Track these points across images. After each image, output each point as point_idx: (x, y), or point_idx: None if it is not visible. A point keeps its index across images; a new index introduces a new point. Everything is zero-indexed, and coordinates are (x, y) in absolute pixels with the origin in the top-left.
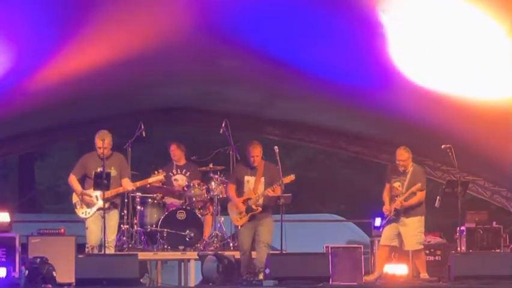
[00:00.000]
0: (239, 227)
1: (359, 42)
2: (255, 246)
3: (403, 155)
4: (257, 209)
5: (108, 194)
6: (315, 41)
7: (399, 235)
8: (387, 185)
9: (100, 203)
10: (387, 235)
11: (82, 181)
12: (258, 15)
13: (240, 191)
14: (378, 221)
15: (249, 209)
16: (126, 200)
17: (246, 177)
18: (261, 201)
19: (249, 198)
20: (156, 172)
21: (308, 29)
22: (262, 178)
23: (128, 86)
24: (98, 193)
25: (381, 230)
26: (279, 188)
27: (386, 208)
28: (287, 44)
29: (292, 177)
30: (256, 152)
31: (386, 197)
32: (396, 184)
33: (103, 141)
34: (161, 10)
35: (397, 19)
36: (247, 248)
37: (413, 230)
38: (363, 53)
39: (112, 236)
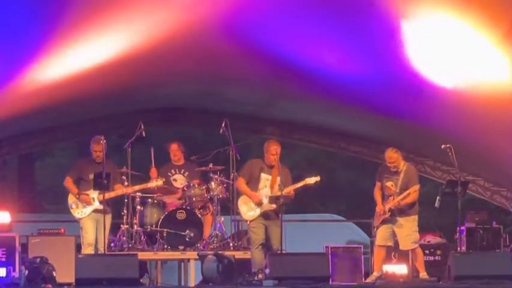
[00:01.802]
0: (248, 222)
1: (359, 42)
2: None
3: (392, 156)
4: (271, 207)
5: (108, 195)
6: (315, 41)
7: (393, 235)
8: (378, 184)
9: (96, 204)
10: (382, 235)
11: (77, 184)
12: (259, 15)
13: (252, 186)
14: None
15: (264, 206)
16: (126, 200)
17: (263, 175)
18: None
19: (265, 195)
20: (155, 178)
21: (309, 29)
22: (278, 178)
23: (128, 86)
24: (95, 194)
25: (375, 230)
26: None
27: (379, 208)
28: (287, 43)
29: (317, 178)
30: (277, 151)
31: (377, 196)
32: (389, 183)
33: (100, 144)
34: (161, 10)
35: (401, 22)
36: (260, 242)
37: (408, 230)
38: (363, 53)
39: (106, 240)
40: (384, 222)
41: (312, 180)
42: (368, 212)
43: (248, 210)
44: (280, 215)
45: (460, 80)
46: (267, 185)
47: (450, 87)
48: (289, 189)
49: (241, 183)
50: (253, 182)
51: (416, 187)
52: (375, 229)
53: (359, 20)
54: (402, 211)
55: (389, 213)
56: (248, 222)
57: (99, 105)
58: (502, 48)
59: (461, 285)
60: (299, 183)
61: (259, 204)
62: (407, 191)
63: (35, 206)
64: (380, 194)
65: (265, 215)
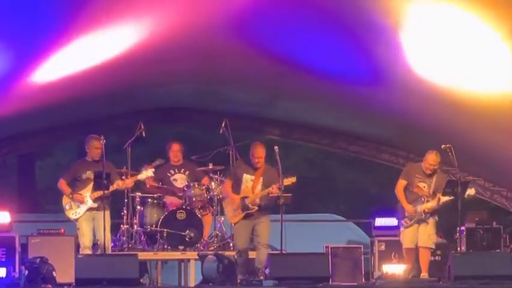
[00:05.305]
0: (233, 224)
1: (360, 43)
2: (253, 247)
3: (436, 160)
4: (253, 208)
5: (100, 193)
6: (316, 41)
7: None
8: (404, 182)
9: (90, 203)
10: (411, 237)
11: (72, 185)
12: (259, 14)
13: (237, 188)
14: (378, 221)
15: (244, 207)
16: (126, 200)
17: (245, 176)
18: (257, 201)
19: (246, 197)
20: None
21: (309, 28)
22: (261, 179)
23: (128, 86)
24: (88, 193)
25: (402, 229)
26: (277, 189)
27: (409, 210)
28: (288, 43)
29: (293, 179)
30: (260, 154)
31: (403, 195)
32: (422, 184)
33: (100, 141)
34: (162, 10)
35: (402, 22)
36: (242, 247)
37: (431, 230)
38: (363, 54)
39: (106, 237)
40: (416, 222)
41: (288, 181)
42: (368, 212)
43: (231, 212)
44: (280, 215)
45: (461, 79)
46: (249, 186)
47: (450, 87)
48: (264, 192)
49: (227, 186)
50: (237, 184)
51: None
52: (403, 227)
53: (358, 19)
54: (432, 212)
55: (426, 214)
56: (233, 225)
57: (99, 105)
58: (505, 45)
59: (461, 285)
60: (275, 185)
61: (241, 208)
62: (438, 196)
63: (35, 206)
64: (403, 192)
65: (247, 216)
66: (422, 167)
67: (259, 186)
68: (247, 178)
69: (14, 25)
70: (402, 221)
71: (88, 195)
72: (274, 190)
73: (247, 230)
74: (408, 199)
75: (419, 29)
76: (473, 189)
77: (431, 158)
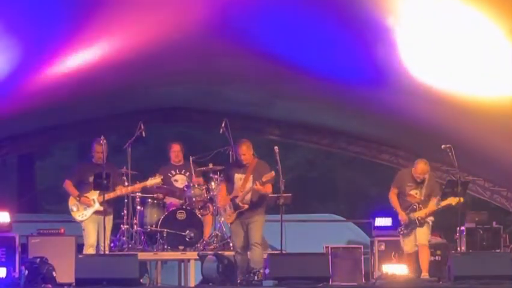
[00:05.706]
0: (229, 225)
1: (360, 43)
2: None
3: (424, 169)
4: (243, 206)
5: (107, 196)
6: (316, 41)
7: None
8: (396, 190)
9: (97, 206)
10: (412, 243)
11: (77, 187)
12: (259, 15)
13: (231, 189)
14: (378, 221)
15: (236, 207)
16: (126, 200)
17: (236, 175)
18: (248, 198)
19: (236, 196)
20: (154, 175)
21: (309, 28)
22: (251, 176)
23: (128, 86)
24: (95, 196)
25: (400, 235)
26: (269, 184)
27: (404, 219)
28: (288, 44)
29: (272, 173)
30: (243, 151)
31: (396, 202)
32: (414, 192)
33: (101, 145)
34: (162, 10)
35: (402, 21)
36: (239, 246)
37: (428, 230)
38: (363, 53)
39: (106, 241)
40: (412, 229)
41: (267, 177)
42: (368, 212)
43: (225, 213)
44: (280, 215)
45: (462, 79)
46: (239, 185)
47: (451, 87)
48: (249, 190)
49: (221, 188)
50: (231, 184)
51: (435, 200)
52: (401, 234)
53: (359, 19)
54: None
55: (421, 220)
56: (229, 225)
57: (99, 105)
58: (508, 43)
59: (461, 285)
60: (258, 181)
61: (233, 208)
62: (432, 200)
63: (35, 206)
64: (397, 200)
65: (240, 215)
66: (412, 173)
67: (249, 184)
68: (238, 177)
69: (17, 23)
70: (399, 229)
71: (95, 198)
72: (257, 186)
73: (242, 229)
74: (401, 206)
75: (420, 28)
76: (455, 198)
77: (420, 168)
